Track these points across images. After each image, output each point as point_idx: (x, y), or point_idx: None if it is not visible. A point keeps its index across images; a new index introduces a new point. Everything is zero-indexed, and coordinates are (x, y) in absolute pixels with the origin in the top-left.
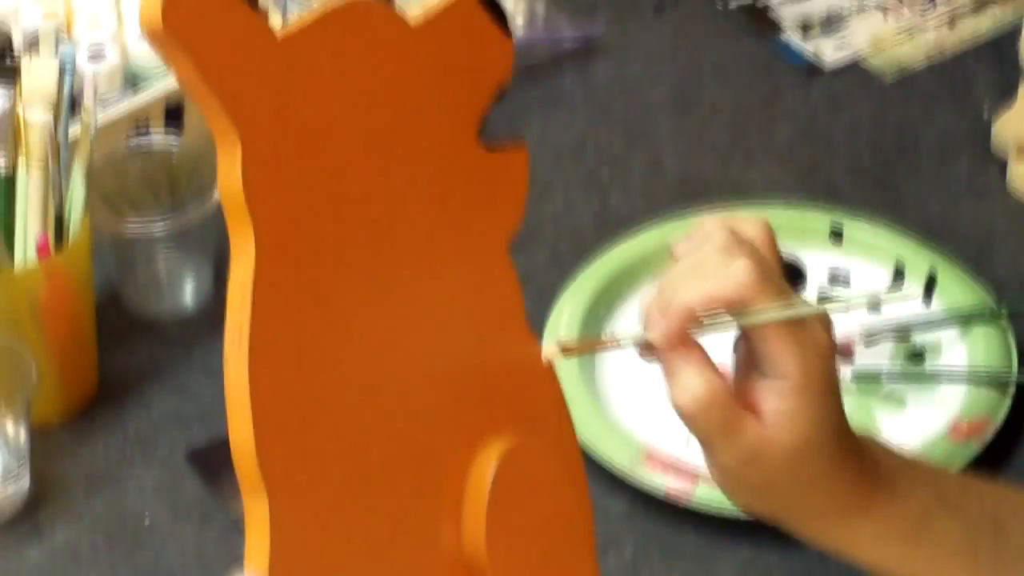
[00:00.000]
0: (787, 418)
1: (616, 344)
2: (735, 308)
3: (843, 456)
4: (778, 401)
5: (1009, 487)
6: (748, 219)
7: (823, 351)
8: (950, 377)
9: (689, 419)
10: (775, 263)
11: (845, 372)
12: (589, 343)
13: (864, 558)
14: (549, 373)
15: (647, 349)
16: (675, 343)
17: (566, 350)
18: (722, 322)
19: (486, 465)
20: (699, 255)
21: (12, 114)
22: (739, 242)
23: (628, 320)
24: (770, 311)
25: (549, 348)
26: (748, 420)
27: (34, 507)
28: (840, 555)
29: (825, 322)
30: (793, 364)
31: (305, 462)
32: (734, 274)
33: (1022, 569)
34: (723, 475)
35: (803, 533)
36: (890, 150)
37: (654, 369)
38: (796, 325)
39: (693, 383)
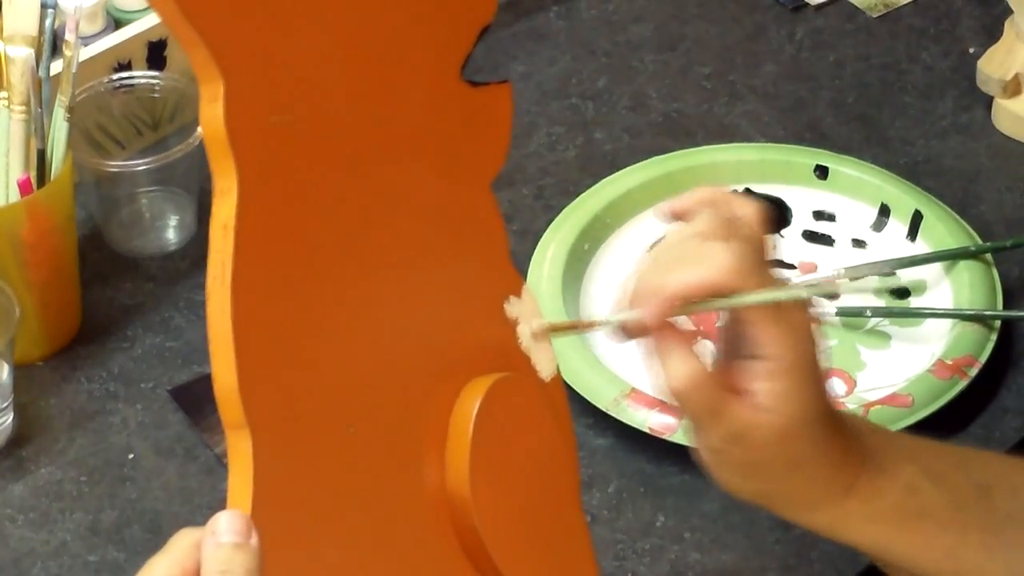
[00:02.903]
0: (772, 398)
1: (600, 326)
2: (719, 294)
3: (828, 436)
4: (763, 382)
5: (993, 454)
6: (740, 199)
7: (805, 332)
8: (935, 314)
9: (677, 401)
10: (762, 247)
11: (829, 308)
12: (573, 324)
13: (853, 537)
14: None
15: (626, 332)
16: (659, 328)
17: (548, 331)
18: (705, 306)
19: (470, 401)
20: (687, 238)
21: None
22: (728, 225)
23: (611, 261)
24: (752, 295)
25: (531, 328)
26: (733, 401)
27: (17, 444)
28: (829, 535)
29: (805, 305)
30: (777, 345)
31: (288, 399)
32: (720, 261)
33: (1011, 535)
34: (711, 456)
35: (791, 515)
36: (875, 87)
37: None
38: (779, 308)
39: (678, 367)
